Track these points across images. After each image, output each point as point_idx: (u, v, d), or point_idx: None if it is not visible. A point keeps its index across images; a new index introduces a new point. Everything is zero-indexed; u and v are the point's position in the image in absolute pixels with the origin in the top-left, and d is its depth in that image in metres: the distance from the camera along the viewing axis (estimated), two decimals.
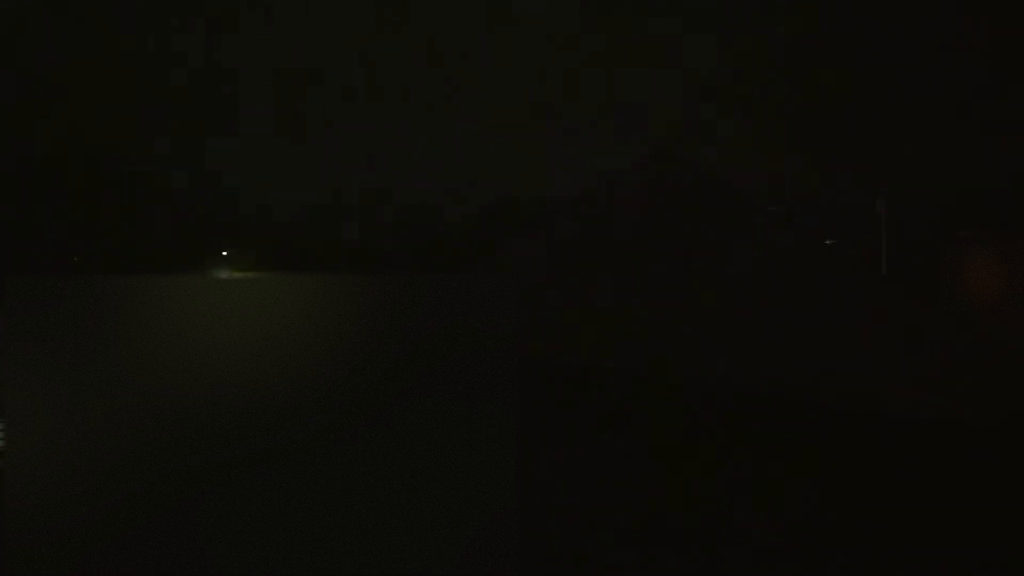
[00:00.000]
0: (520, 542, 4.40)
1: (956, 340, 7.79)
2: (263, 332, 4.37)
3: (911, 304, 8.42)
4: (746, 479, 7.31)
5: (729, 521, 7.15)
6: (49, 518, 4.30)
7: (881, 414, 7.24)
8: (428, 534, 4.37)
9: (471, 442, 4.39)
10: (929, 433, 7.14)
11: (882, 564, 6.77)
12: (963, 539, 6.81)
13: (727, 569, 6.84)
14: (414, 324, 4.40)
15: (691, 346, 7.78)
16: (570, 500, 7.36)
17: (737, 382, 7.51)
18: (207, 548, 4.35)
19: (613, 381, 7.66)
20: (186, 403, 4.35)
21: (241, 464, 4.35)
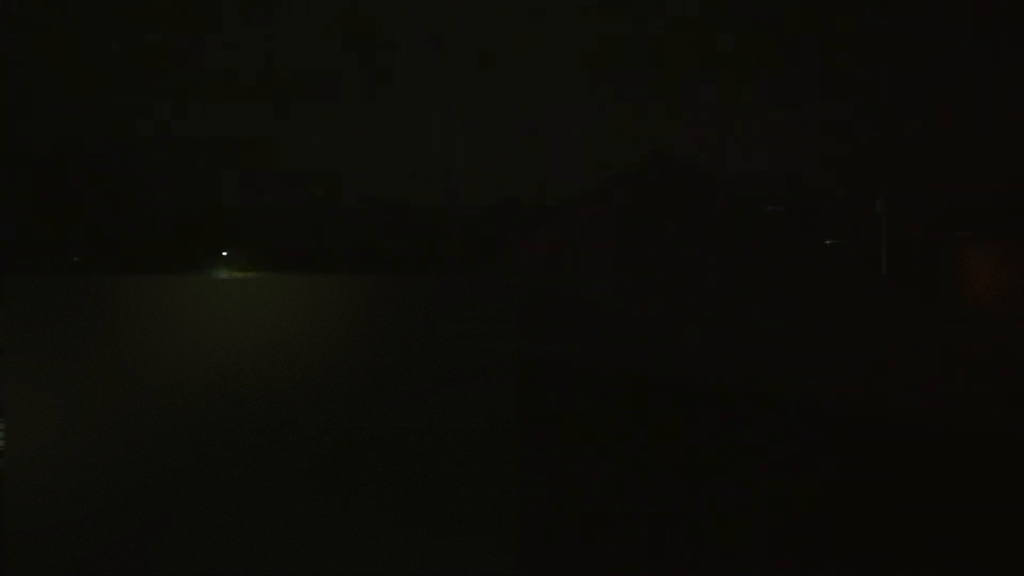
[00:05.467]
0: (520, 542, 4.41)
1: (956, 340, 7.78)
2: (263, 332, 4.38)
3: (910, 304, 8.42)
4: (743, 482, 7.30)
5: (727, 523, 7.15)
6: (49, 518, 4.30)
7: (880, 414, 7.24)
8: (427, 534, 4.38)
9: (471, 442, 4.39)
10: (928, 433, 7.14)
11: (882, 565, 6.77)
12: (962, 540, 6.80)
13: (725, 570, 6.84)
14: (414, 324, 4.40)
15: (689, 347, 7.78)
16: (567, 501, 7.36)
17: (736, 381, 7.51)
18: (207, 548, 4.35)
19: (611, 381, 7.66)
20: (186, 403, 4.35)
21: (241, 464, 4.36)
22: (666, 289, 8.13)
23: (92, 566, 4.31)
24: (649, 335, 7.87)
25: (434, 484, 4.38)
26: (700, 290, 8.10)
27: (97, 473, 4.31)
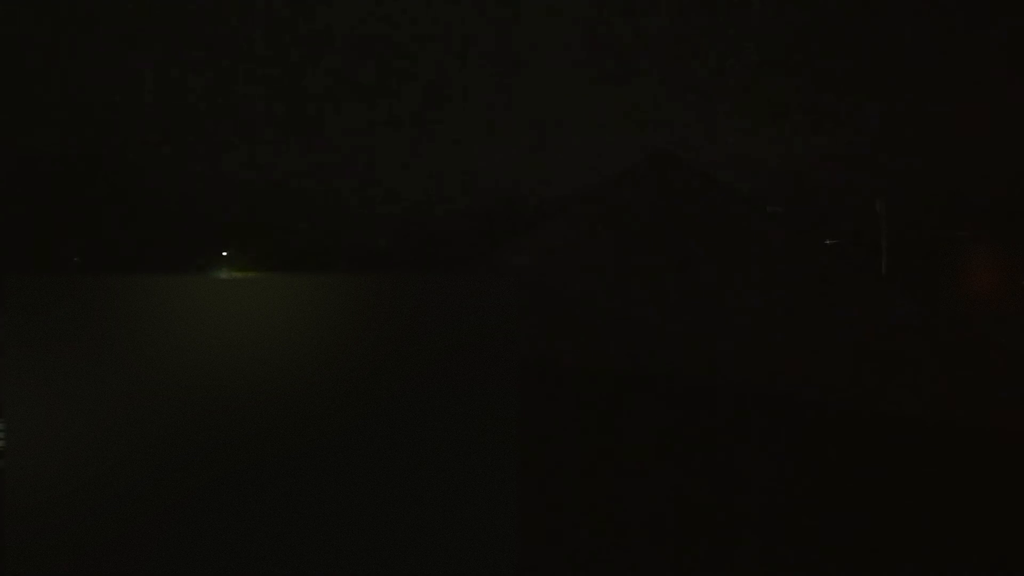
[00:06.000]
0: (520, 542, 4.41)
1: (956, 340, 7.78)
2: (263, 332, 4.37)
3: (910, 304, 8.42)
4: (743, 480, 7.30)
5: (726, 523, 7.15)
6: (49, 518, 4.30)
7: (880, 414, 7.24)
8: (428, 534, 4.38)
9: (471, 442, 4.39)
10: (928, 434, 7.14)
11: (882, 565, 6.77)
12: (961, 540, 6.80)
13: (726, 569, 6.84)
14: (414, 324, 4.40)
15: (689, 347, 7.78)
16: (567, 501, 7.35)
17: (736, 383, 7.51)
18: (207, 547, 4.35)
19: (611, 382, 7.66)
20: (186, 402, 4.35)
21: (241, 464, 4.35)
22: (666, 289, 8.12)
23: (92, 566, 4.31)
24: (649, 335, 7.86)
25: (434, 484, 4.38)
26: (700, 290, 8.10)
27: (97, 473, 4.31)
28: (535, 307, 6.70)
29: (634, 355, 7.76)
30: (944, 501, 6.97)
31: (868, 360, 7.56)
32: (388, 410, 4.38)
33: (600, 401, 7.61)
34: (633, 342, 7.86)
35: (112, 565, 4.31)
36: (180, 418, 4.34)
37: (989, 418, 7.08)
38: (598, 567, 6.85)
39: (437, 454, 4.38)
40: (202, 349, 4.36)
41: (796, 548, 6.92)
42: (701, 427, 7.41)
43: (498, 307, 4.41)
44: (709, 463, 7.35)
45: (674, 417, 7.46)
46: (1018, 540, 6.76)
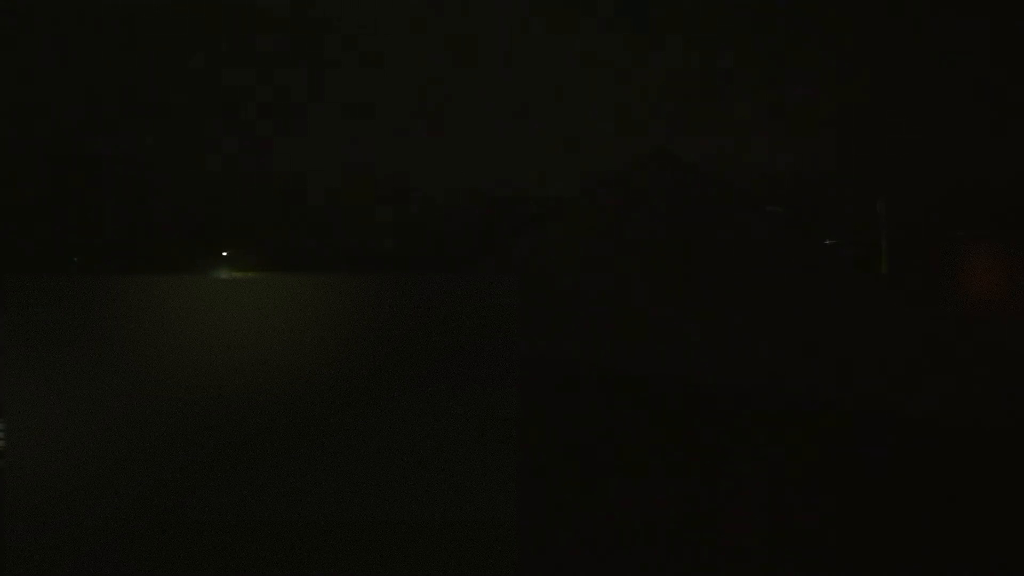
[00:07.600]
0: (519, 542, 4.41)
1: (956, 340, 7.78)
2: (263, 332, 4.38)
3: (910, 304, 8.42)
4: (743, 482, 7.30)
5: (726, 523, 7.15)
6: (49, 518, 4.30)
7: (880, 415, 7.24)
8: (428, 534, 4.38)
9: (471, 442, 4.39)
10: (928, 433, 7.14)
11: (881, 565, 6.77)
12: (962, 542, 6.80)
13: (726, 570, 6.84)
14: (414, 324, 4.40)
15: (689, 347, 7.78)
16: (567, 501, 7.36)
17: (736, 383, 7.51)
18: (207, 547, 4.35)
19: (611, 382, 7.66)
20: (186, 402, 4.35)
21: (241, 463, 4.36)
22: (666, 289, 8.12)
23: (92, 566, 4.31)
24: (649, 335, 7.86)
25: (434, 484, 4.38)
26: (700, 290, 8.10)
27: (97, 473, 4.31)
28: (535, 307, 6.70)
29: (634, 355, 7.76)
30: (945, 501, 6.97)
31: (868, 360, 7.56)
32: (388, 410, 4.38)
33: (600, 401, 7.60)
34: (633, 342, 7.86)
35: (112, 565, 4.31)
36: (180, 418, 4.35)
37: (989, 418, 7.08)
38: (598, 567, 6.85)
39: (437, 454, 4.38)
40: (202, 349, 4.36)
41: (796, 548, 6.92)
42: (701, 427, 7.40)
43: (498, 307, 4.41)
44: (709, 463, 7.35)
45: (674, 417, 7.46)
46: (1018, 540, 6.76)
